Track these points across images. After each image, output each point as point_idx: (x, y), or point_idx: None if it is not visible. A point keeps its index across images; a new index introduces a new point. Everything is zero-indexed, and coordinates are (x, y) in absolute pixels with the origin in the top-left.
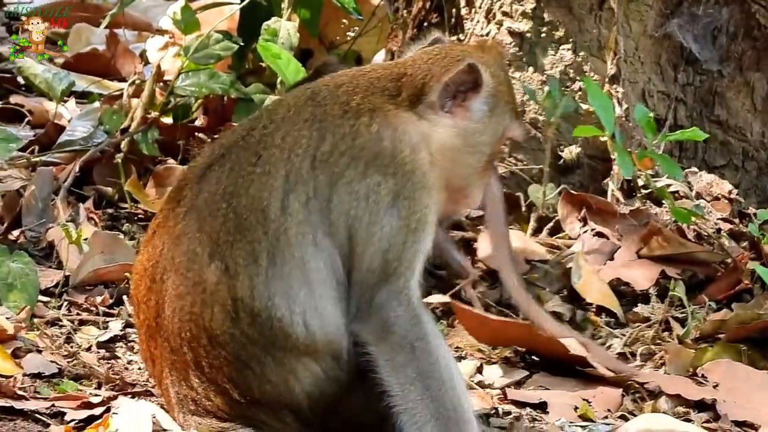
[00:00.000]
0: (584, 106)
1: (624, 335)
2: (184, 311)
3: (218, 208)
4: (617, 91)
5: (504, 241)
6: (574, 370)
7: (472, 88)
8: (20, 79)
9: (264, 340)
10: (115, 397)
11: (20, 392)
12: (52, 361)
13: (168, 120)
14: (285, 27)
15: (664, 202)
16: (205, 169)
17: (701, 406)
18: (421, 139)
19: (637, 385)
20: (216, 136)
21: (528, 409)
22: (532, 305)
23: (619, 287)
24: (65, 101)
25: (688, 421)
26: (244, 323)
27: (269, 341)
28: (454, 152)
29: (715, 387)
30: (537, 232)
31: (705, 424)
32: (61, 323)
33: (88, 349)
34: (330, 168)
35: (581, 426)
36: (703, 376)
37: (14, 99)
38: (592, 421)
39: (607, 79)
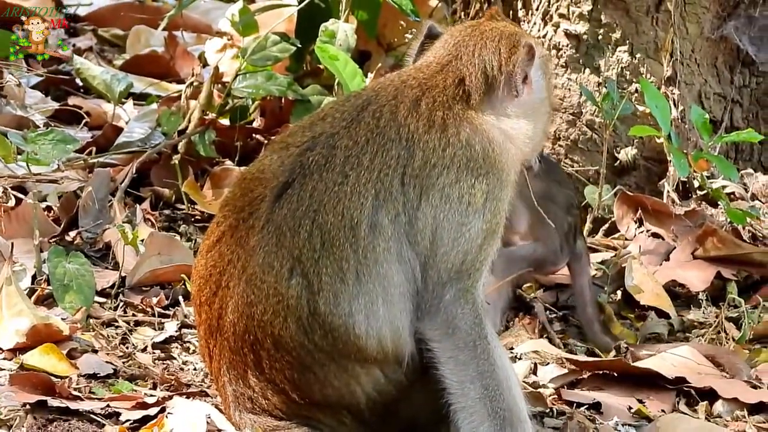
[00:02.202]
0: (640, 108)
1: (679, 338)
2: (252, 318)
3: (300, 225)
4: (673, 93)
5: (592, 312)
6: (628, 372)
7: (530, 62)
8: (78, 81)
9: (334, 351)
10: (170, 398)
11: (75, 393)
12: (107, 362)
13: (225, 121)
14: (342, 29)
15: (719, 203)
16: (283, 188)
17: (756, 407)
18: (505, 138)
19: (687, 388)
20: (273, 138)
21: (582, 409)
22: (599, 336)
23: (674, 288)
24: (123, 103)
25: (744, 422)
26: (317, 335)
27: (339, 351)
28: (533, 129)
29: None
30: (593, 232)
31: (759, 425)
32: (116, 324)
33: (144, 350)
34: (421, 181)
35: (635, 426)
36: (757, 377)
37: (72, 100)
38: (649, 419)
39: (663, 81)
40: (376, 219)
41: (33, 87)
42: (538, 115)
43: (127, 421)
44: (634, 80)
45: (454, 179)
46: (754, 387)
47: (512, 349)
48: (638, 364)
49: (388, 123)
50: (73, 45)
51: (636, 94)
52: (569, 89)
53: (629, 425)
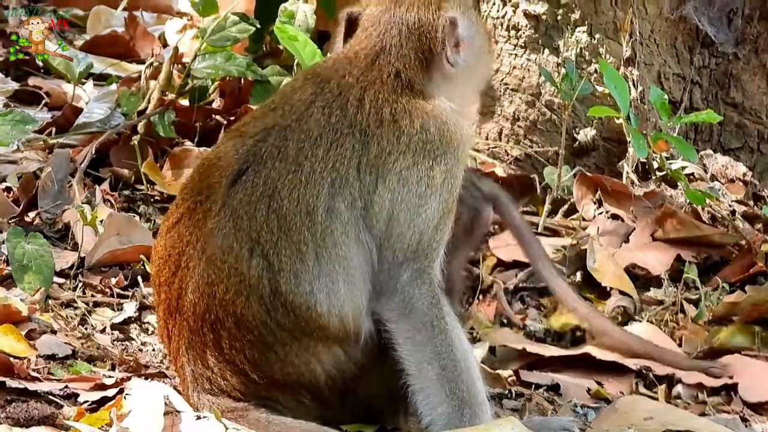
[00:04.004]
0: (600, 89)
1: (641, 318)
2: (213, 297)
3: (256, 209)
4: (633, 74)
5: (538, 248)
6: (587, 355)
7: (454, 27)
8: (39, 61)
9: (296, 329)
10: (128, 379)
11: (34, 374)
12: (66, 343)
13: (185, 102)
14: (302, 9)
15: (679, 184)
16: (237, 174)
17: (714, 389)
18: (458, 115)
19: (645, 371)
20: (232, 118)
21: (541, 391)
22: (580, 305)
23: (633, 269)
24: (83, 83)
25: (703, 404)
26: (279, 313)
27: (301, 330)
28: (480, 79)
29: (730, 377)
30: (552, 213)
31: (719, 407)
32: (75, 305)
33: (102, 331)
34: (377, 169)
35: (594, 408)
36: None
37: (32, 81)
38: (608, 401)
39: (622, 62)
40: (332, 204)
41: None
42: (481, 62)
43: (86, 402)
44: (594, 61)
45: (411, 163)
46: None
47: (472, 329)
48: (597, 351)
49: (339, 120)
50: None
51: (595, 75)
52: (528, 70)
53: (588, 407)
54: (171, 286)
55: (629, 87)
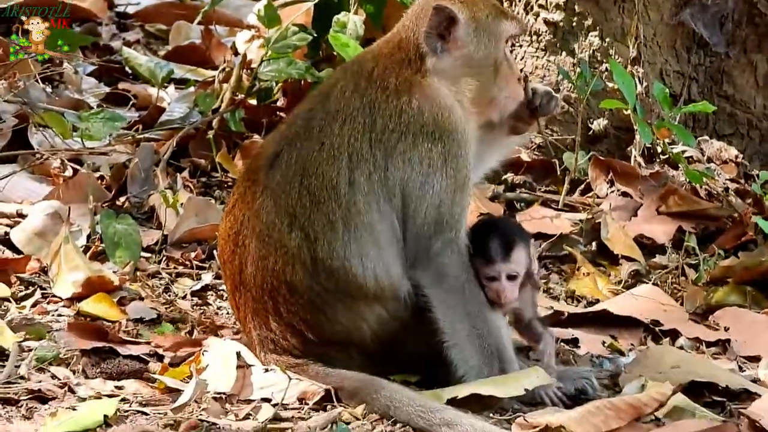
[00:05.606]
0: (610, 85)
1: (648, 281)
2: (267, 269)
3: (291, 187)
4: (638, 71)
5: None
6: (602, 316)
7: (451, 22)
8: (127, 69)
9: (339, 290)
10: (205, 338)
11: (124, 335)
12: (152, 308)
13: (253, 101)
14: (353, 20)
15: (679, 165)
16: (274, 157)
17: (710, 343)
18: (453, 100)
19: (652, 326)
20: None
21: (562, 344)
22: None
23: (641, 239)
24: (165, 87)
25: (702, 354)
26: (322, 278)
27: (343, 291)
28: (477, 86)
29: (726, 330)
30: (570, 192)
31: (714, 356)
32: (160, 276)
33: (183, 298)
34: (384, 145)
35: (608, 358)
36: (714, 321)
37: (122, 85)
38: (621, 352)
39: (629, 61)
40: (353, 177)
41: (88, 74)
42: (481, 72)
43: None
44: (604, 61)
45: (412, 144)
46: (712, 328)
47: None
48: (613, 308)
49: (353, 94)
50: (123, 38)
51: (606, 73)
52: (548, 69)
53: (603, 357)
54: (233, 262)
55: (635, 83)
